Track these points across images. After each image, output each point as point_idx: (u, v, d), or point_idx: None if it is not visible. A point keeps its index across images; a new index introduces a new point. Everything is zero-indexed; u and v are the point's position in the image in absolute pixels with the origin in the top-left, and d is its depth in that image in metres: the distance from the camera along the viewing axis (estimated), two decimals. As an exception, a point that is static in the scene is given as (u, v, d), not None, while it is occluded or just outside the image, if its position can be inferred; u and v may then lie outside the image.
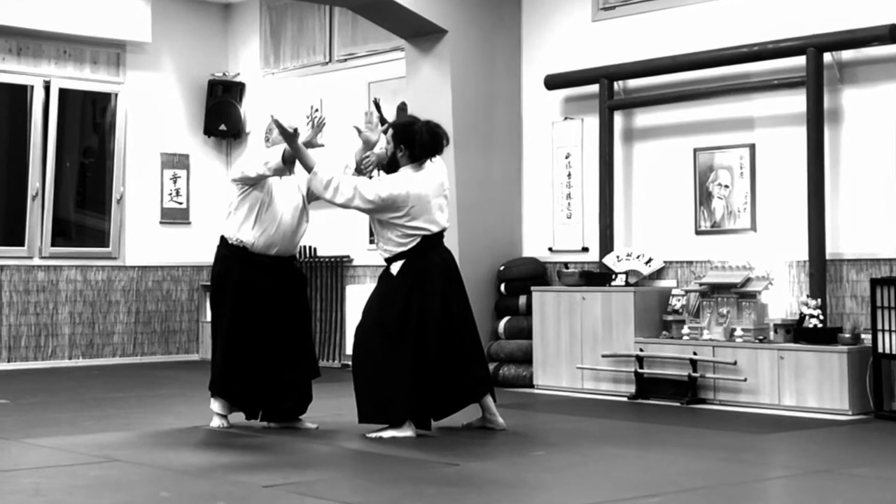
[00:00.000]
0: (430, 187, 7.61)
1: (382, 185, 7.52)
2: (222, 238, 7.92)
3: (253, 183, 7.76)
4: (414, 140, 7.61)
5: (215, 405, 7.95)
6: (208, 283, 13.58)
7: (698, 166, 10.10)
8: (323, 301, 12.97)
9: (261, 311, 7.84)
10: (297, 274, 8.09)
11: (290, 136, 7.51)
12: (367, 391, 7.59)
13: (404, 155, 7.65)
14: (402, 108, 11.85)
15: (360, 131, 7.86)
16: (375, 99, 12.45)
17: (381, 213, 7.56)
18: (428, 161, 7.68)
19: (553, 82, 10.94)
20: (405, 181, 7.55)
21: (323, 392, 8.25)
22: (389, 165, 7.71)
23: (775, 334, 9.16)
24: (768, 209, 9.71)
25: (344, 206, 7.60)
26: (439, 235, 7.70)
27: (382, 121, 12.49)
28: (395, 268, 7.60)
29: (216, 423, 7.93)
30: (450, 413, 7.76)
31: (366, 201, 7.50)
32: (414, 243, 7.57)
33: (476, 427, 7.91)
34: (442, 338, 7.56)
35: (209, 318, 8.17)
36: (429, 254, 7.61)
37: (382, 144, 7.82)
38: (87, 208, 13.58)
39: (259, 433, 7.77)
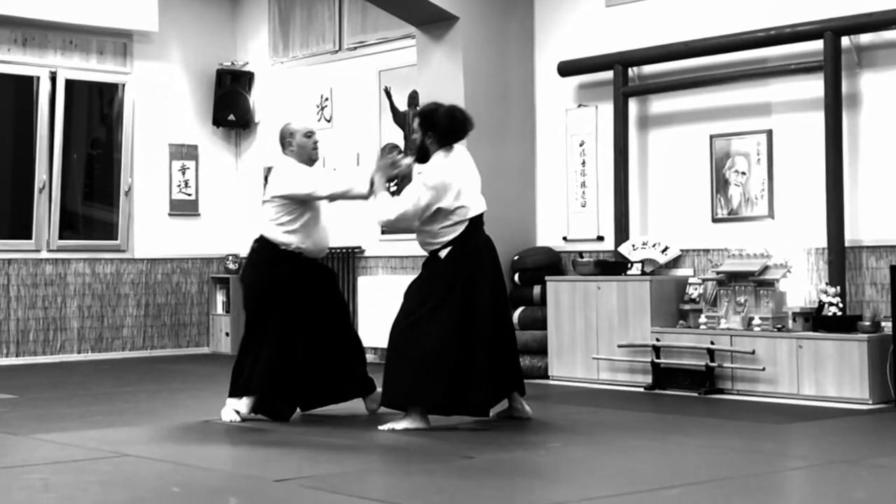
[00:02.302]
0: (464, 169, 7.70)
1: (428, 175, 7.55)
2: (266, 241, 8.02)
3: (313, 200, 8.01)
4: (439, 125, 7.65)
5: (242, 404, 7.91)
6: (219, 276, 13.69)
7: (714, 153, 10.01)
8: (334, 292, 12.89)
9: (313, 309, 8.01)
10: (330, 270, 8.42)
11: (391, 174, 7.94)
12: (398, 375, 7.54)
13: (433, 141, 7.68)
14: (413, 96, 11.79)
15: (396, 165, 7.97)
16: (387, 87, 12.43)
17: (438, 201, 7.52)
18: (456, 144, 7.73)
19: (567, 69, 10.85)
20: (442, 165, 7.60)
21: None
22: (420, 153, 7.75)
23: (794, 323, 9.07)
24: (786, 196, 9.62)
25: (423, 210, 7.55)
26: (480, 219, 7.74)
27: (394, 109, 12.42)
28: (444, 252, 7.59)
29: (231, 416, 7.89)
30: (498, 401, 7.79)
31: (427, 194, 7.48)
32: (462, 228, 7.59)
33: (504, 416, 7.90)
34: (493, 326, 7.60)
35: (244, 317, 8.26)
36: (475, 238, 7.66)
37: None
38: (94, 200, 13.53)
39: (270, 427, 7.71)
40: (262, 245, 8.04)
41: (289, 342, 7.89)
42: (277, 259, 7.98)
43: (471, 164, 7.79)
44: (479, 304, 7.52)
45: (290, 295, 7.93)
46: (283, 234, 7.95)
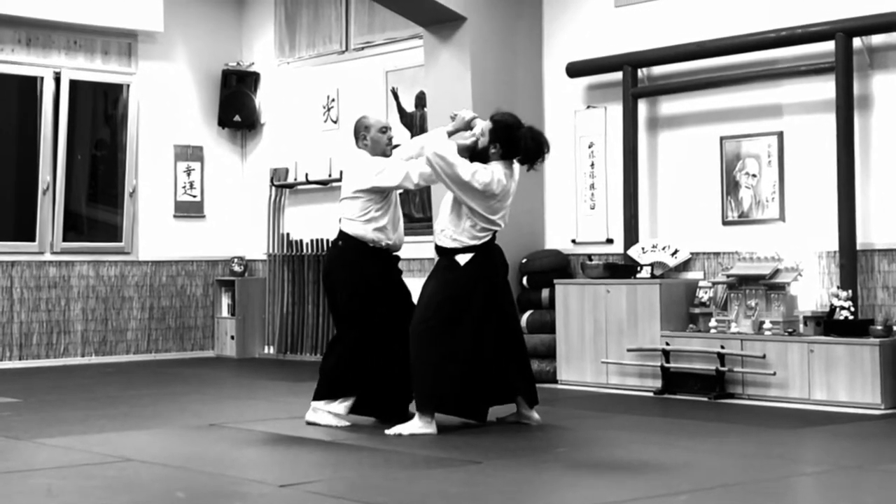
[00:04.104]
0: (512, 188, 7.70)
1: (485, 174, 7.50)
2: (352, 238, 7.91)
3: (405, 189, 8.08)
4: (513, 143, 7.65)
5: (341, 406, 7.84)
6: (224, 279, 13.64)
7: (725, 155, 9.95)
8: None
9: (400, 309, 7.95)
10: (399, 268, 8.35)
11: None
12: (420, 378, 7.54)
13: (497, 152, 7.66)
14: (420, 97, 11.74)
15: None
16: (394, 88, 12.37)
17: (474, 197, 7.50)
18: (514, 163, 7.74)
19: (575, 70, 10.79)
20: (498, 174, 7.57)
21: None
22: (479, 156, 7.67)
23: (805, 327, 9.02)
24: (797, 198, 9.56)
25: (460, 181, 7.49)
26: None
27: (401, 110, 12.33)
28: (464, 259, 7.61)
29: (329, 420, 7.83)
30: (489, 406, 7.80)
31: (476, 183, 7.46)
32: (486, 238, 7.65)
33: (512, 422, 7.92)
34: (506, 336, 7.70)
35: (332, 316, 8.23)
36: (493, 251, 7.72)
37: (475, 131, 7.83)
38: (99, 202, 13.49)
39: (275, 432, 7.67)
40: (350, 243, 7.94)
41: (383, 342, 7.84)
42: (369, 256, 7.91)
43: (515, 186, 7.77)
44: (493, 316, 7.60)
45: (384, 294, 7.90)
46: (373, 231, 7.87)
